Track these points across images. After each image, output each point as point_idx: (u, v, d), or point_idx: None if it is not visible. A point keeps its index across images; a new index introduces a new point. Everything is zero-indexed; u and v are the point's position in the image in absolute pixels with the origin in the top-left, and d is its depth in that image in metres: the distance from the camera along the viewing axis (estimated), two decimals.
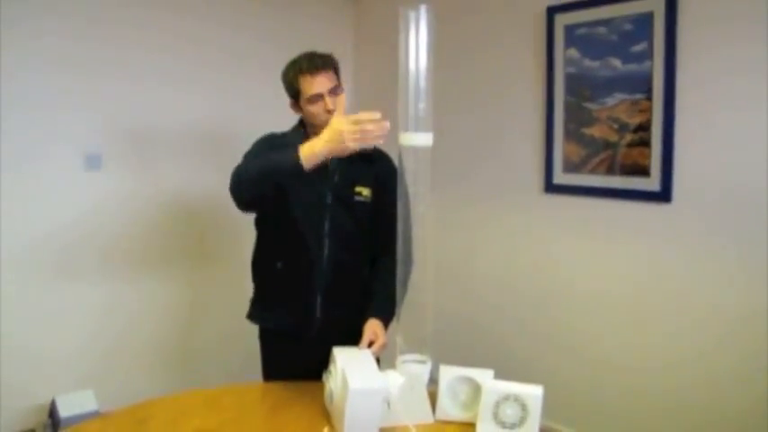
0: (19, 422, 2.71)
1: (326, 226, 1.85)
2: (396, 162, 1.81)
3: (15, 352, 2.66)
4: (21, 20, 2.59)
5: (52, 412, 2.68)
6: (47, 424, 2.70)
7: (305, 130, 1.90)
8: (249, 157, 1.85)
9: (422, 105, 1.57)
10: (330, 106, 1.79)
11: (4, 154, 2.60)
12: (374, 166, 1.91)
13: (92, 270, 2.86)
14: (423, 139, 1.52)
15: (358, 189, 1.88)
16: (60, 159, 2.75)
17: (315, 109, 1.81)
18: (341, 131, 1.54)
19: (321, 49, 1.88)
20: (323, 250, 1.86)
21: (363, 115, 1.53)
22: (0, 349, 2.63)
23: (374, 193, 1.89)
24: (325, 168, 1.84)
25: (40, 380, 2.74)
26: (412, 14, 1.54)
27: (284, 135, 1.93)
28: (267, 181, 1.66)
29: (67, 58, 2.72)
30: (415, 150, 1.58)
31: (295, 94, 1.84)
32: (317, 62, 1.80)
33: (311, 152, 1.57)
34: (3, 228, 2.62)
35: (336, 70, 1.85)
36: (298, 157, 1.57)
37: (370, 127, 1.53)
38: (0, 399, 2.63)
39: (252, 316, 2.01)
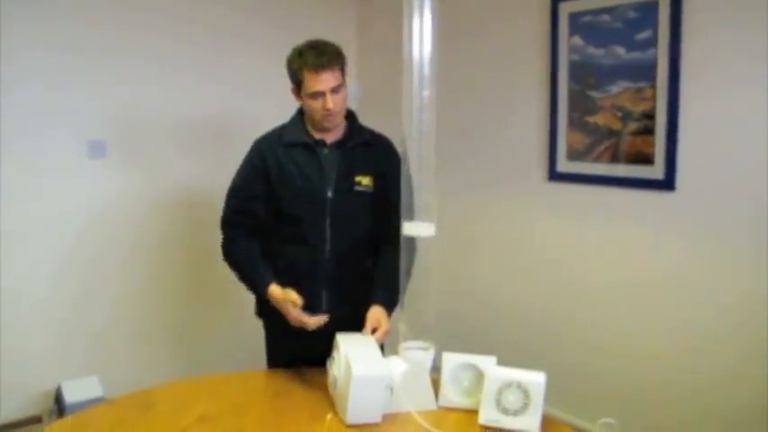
0: (25, 408, 2.73)
1: (328, 221, 1.84)
2: (397, 147, 1.80)
3: (21, 339, 2.68)
4: (25, 1, 2.58)
5: (58, 398, 2.70)
6: (53, 410, 2.72)
7: (303, 120, 1.89)
8: (236, 186, 1.94)
9: (426, 93, 1.57)
10: (329, 105, 1.77)
11: (4, 142, 2.61)
12: (374, 153, 1.90)
13: (96, 258, 2.87)
14: (425, 229, 1.61)
15: (358, 179, 1.86)
16: (63, 146, 2.75)
17: (314, 104, 1.79)
18: (290, 319, 1.77)
19: (326, 36, 1.85)
20: (325, 245, 1.84)
21: (311, 321, 1.75)
22: (5, 337, 2.65)
23: (375, 180, 1.87)
24: (322, 164, 1.84)
25: (46, 366, 2.76)
26: (416, 1, 1.54)
27: (282, 128, 1.91)
28: (242, 282, 1.93)
29: (71, 43, 2.71)
30: (420, 137, 1.58)
31: (297, 83, 1.83)
32: (324, 60, 1.76)
33: (272, 299, 1.81)
34: (4, 217, 2.63)
35: (342, 66, 1.82)
36: (263, 293, 1.82)
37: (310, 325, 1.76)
38: (6, 385, 2.65)
39: (261, 312, 2.01)
